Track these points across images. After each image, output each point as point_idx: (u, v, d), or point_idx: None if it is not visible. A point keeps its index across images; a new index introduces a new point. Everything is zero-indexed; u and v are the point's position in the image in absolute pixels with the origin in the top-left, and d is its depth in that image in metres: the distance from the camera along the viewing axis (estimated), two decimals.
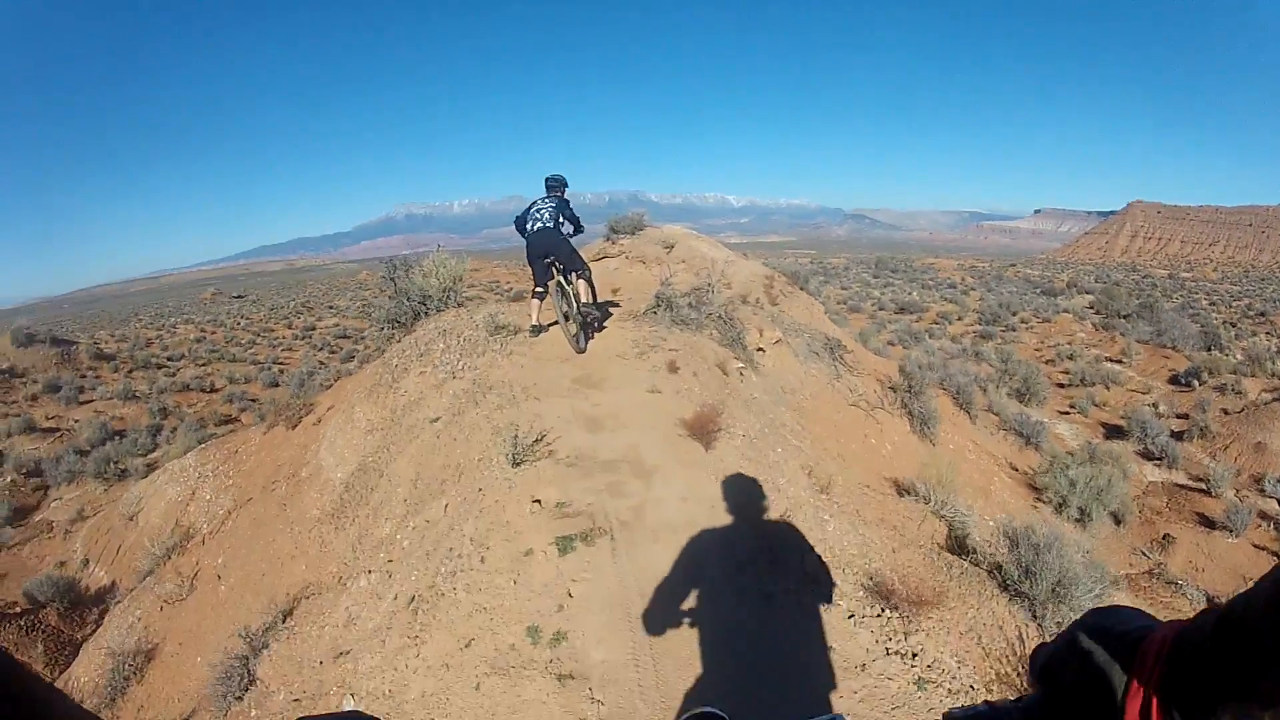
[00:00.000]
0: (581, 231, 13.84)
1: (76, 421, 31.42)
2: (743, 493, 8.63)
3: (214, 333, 64.77)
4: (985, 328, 42.49)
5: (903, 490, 12.50)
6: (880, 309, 51.79)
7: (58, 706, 1.04)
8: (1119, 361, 34.77)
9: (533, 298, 13.44)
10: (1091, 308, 46.97)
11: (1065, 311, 45.49)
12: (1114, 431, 24.76)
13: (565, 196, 13.54)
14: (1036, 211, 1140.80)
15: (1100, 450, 20.67)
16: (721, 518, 8.16)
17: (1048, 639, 1.57)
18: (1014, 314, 45.74)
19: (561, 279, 12.77)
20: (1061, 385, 31.06)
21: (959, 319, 46.97)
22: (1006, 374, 27.89)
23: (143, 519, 16.07)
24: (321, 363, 48.88)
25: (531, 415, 10.29)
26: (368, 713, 1.52)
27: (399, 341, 14.80)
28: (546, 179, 13.55)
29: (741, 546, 7.73)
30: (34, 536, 20.00)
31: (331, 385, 19.74)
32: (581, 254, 13.60)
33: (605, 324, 14.29)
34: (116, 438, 28.75)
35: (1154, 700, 1.17)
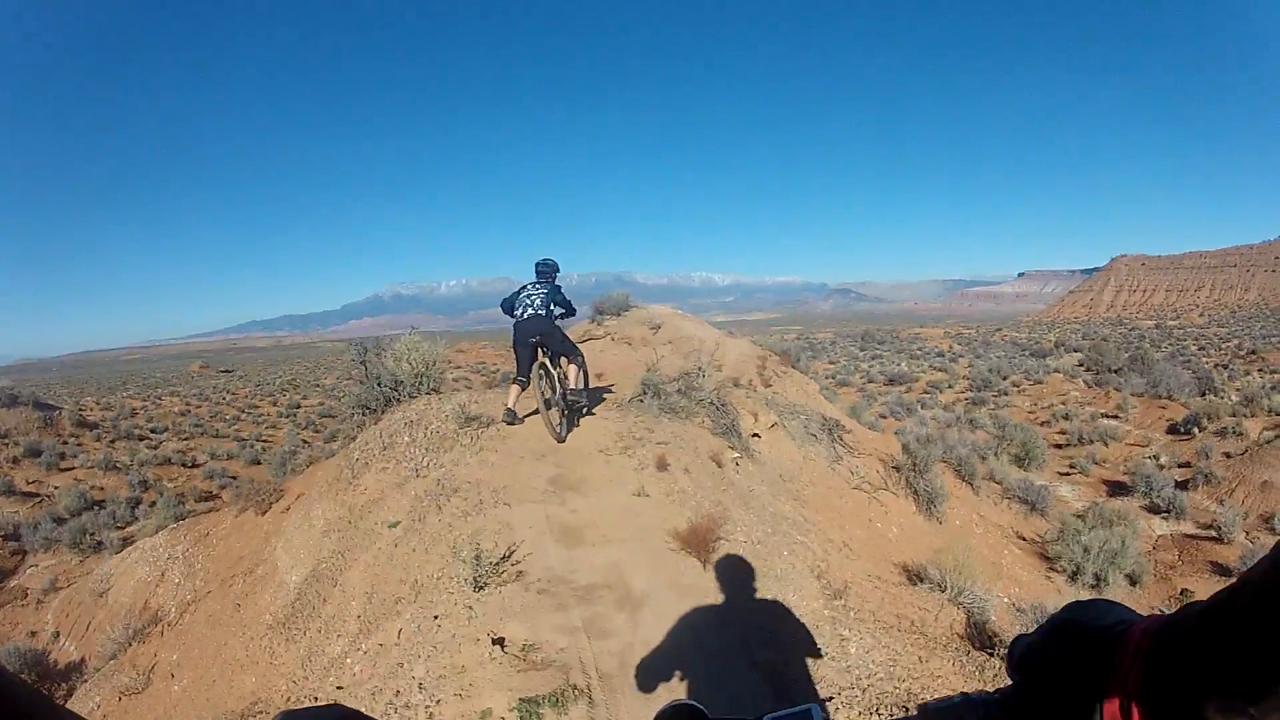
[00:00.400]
0: (573, 315, 13.42)
1: (56, 488, 30.79)
2: (752, 624, 7.60)
3: (199, 407, 64.25)
4: (977, 394, 42.20)
5: (915, 577, 11.68)
6: (869, 381, 51.88)
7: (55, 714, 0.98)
8: (1115, 417, 34.22)
9: (513, 384, 12.74)
10: (1081, 365, 46.90)
11: (1056, 371, 45.02)
12: (1117, 488, 24.07)
13: (557, 282, 13.16)
14: (1020, 274, 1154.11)
15: (1107, 510, 19.83)
16: (726, 662, 7.03)
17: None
18: (1004, 378, 45.45)
19: (547, 361, 12.29)
20: (1059, 446, 30.27)
21: (949, 387, 46.78)
22: (1004, 440, 27.26)
23: (113, 597, 15.39)
24: (305, 441, 48.30)
25: (500, 524, 9.21)
26: (350, 706, 1.43)
27: (368, 430, 13.75)
28: (537, 264, 13.12)
29: (753, 698, 6.63)
30: (8, 603, 19.55)
31: (305, 470, 18.67)
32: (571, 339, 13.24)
33: (590, 411, 13.60)
34: (95, 508, 28.13)
35: (1133, 694, 1.11)
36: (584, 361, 13.39)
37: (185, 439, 46.83)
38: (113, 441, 42.12)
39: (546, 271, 13.02)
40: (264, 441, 47.59)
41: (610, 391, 15.35)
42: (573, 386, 12.74)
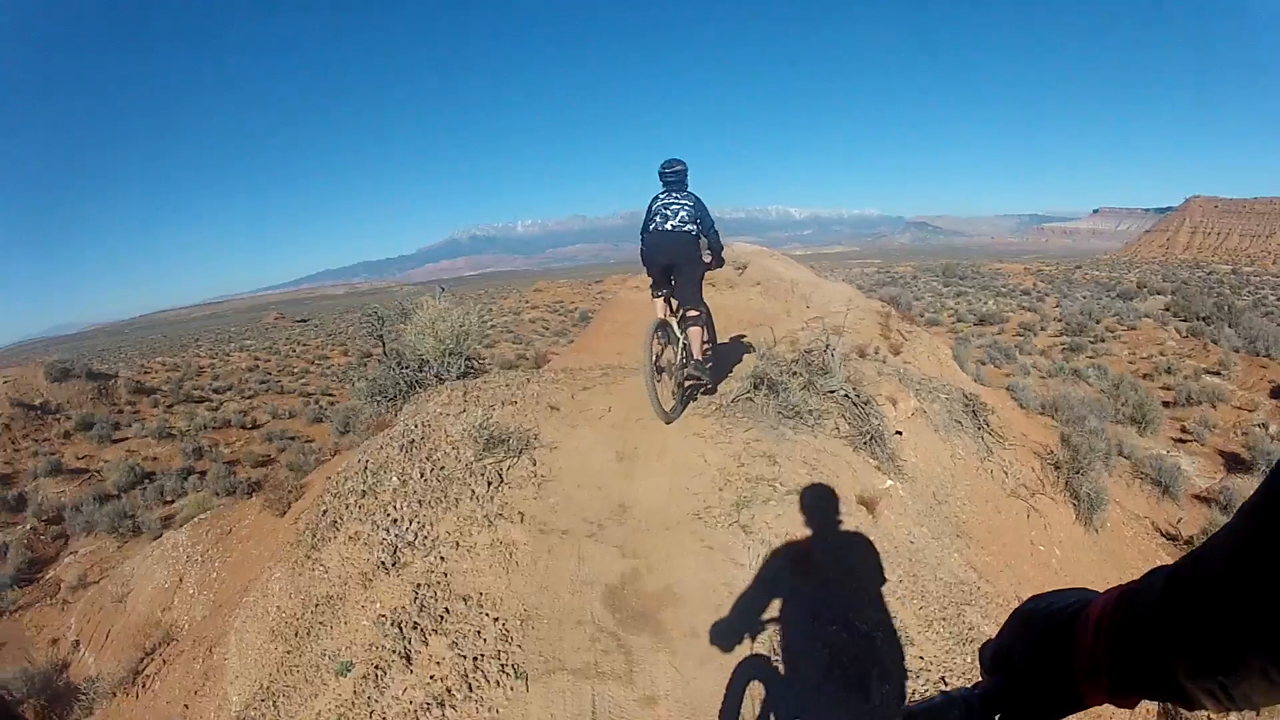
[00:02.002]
0: (720, 252, 10.20)
1: (106, 462, 28.81)
2: None
3: (268, 361, 62.68)
4: (1073, 339, 38.70)
5: None
6: (959, 320, 48.62)
7: None
8: (1217, 374, 29.25)
9: (655, 298, 9.77)
10: (1168, 309, 43.25)
11: (1145, 316, 41.70)
12: (1234, 462, 20.39)
13: (697, 195, 9.83)
14: (1095, 211, 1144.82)
15: (1240, 498, 16.22)
16: None
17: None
18: (1097, 322, 41.85)
19: (672, 320, 9.58)
20: (1166, 405, 25.24)
21: (1042, 329, 43.30)
22: (1118, 400, 23.12)
23: (131, 603, 13.71)
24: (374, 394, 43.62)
25: None
26: None
27: (355, 452, 9.99)
28: (663, 168, 9.87)
29: None
30: (39, 600, 18.43)
31: (330, 459, 16.75)
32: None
33: (704, 387, 10.44)
34: (145, 481, 26.74)
35: (1102, 666, 1.13)
36: (710, 317, 10.41)
37: (249, 398, 43.99)
38: (170, 406, 39.60)
39: (677, 178, 9.83)
40: (329, 396, 45.70)
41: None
42: (696, 355, 9.67)
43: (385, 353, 12.90)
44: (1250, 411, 24.64)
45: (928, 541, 8.06)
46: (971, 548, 8.86)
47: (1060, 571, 10.23)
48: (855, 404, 9.54)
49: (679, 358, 9.44)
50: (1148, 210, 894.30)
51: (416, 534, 7.15)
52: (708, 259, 10.03)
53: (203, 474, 27.28)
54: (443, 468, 8.19)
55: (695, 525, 7.07)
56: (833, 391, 9.62)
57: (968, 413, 12.02)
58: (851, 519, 7.44)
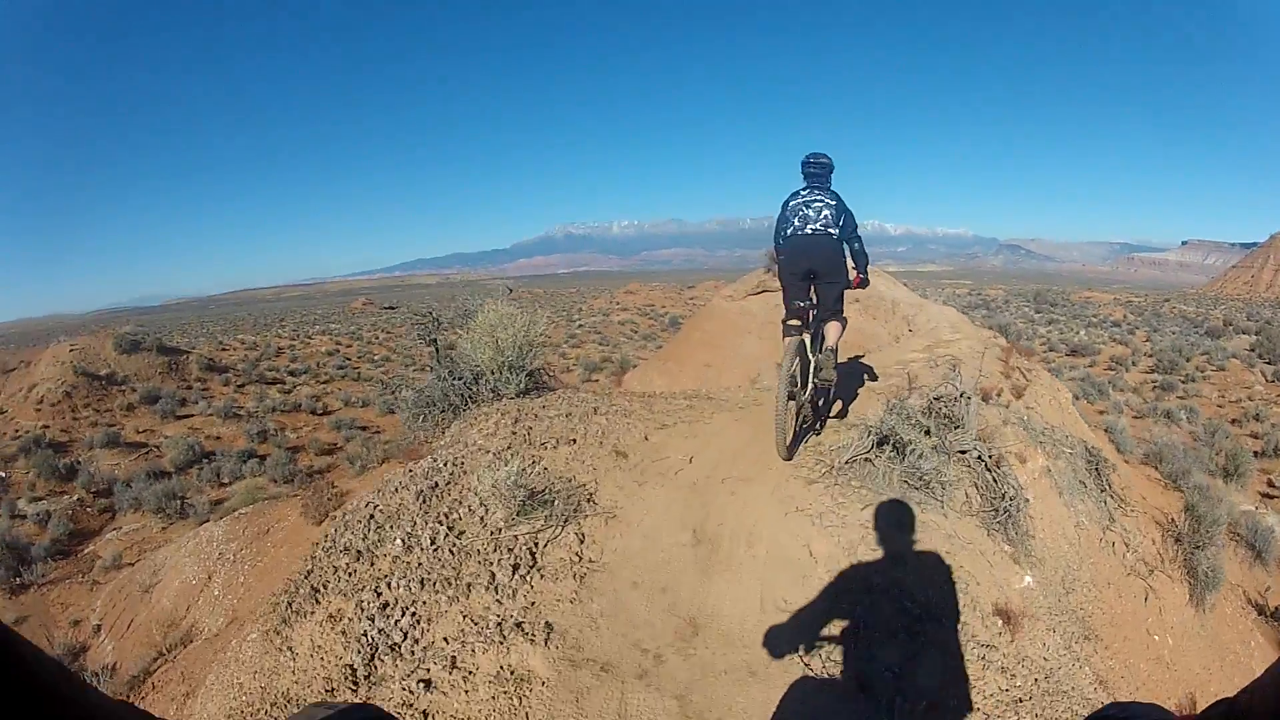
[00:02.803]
0: (865, 258, 8.68)
1: (167, 438, 28.33)
2: None
3: (349, 346, 61.73)
4: (1164, 376, 37.60)
5: None
6: (1050, 349, 47.00)
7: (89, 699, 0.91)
8: None
9: (785, 334, 8.21)
10: (1253, 350, 42.85)
11: (1233, 357, 40.64)
12: None
13: (839, 194, 8.50)
14: (1184, 243, 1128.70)
15: None
16: None
17: None
18: (1187, 360, 40.85)
19: (808, 340, 8.27)
20: (1254, 454, 23.45)
21: (1133, 365, 42.10)
22: (1211, 446, 22.31)
23: (156, 596, 12.98)
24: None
25: None
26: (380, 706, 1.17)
27: (360, 498, 7.88)
28: (806, 161, 8.54)
29: None
30: (70, 576, 17.98)
31: (378, 465, 15.69)
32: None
33: (830, 415, 9.30)
34: (204, 461, 26.33)
35: None
36: (845, 326, 8.68)
37: (324, 382, 43.52)
38: (241, 386, 39.02)
39: (821, 171, 8.51)
40: (409, 385, 43.72)
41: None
42: (831, 344, 8.31)
43: (438, 359, 11.41)
44: None
45: (1059, 655, 6.17)
46: (1099, 652, 7.26)
47: (1172, 665, 8.82)
48: (989, 468, 7.74)
49: (810, 383, 8.22)
50: (1234, 245, 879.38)
51: (407, 631, 5.36)
52: (853, 274, 8.58)
53: (263, 458, 26.66)
54: (461, 533, 6.40)
55: (792, 667, 5.11)
56: (965, 452, 7.79)
57: (1091, 471, 10.40)
58: (991, 646, 5.59)
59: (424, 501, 6.87)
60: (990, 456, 7.79)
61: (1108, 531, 9.55)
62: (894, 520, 6.54)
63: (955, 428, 7.96)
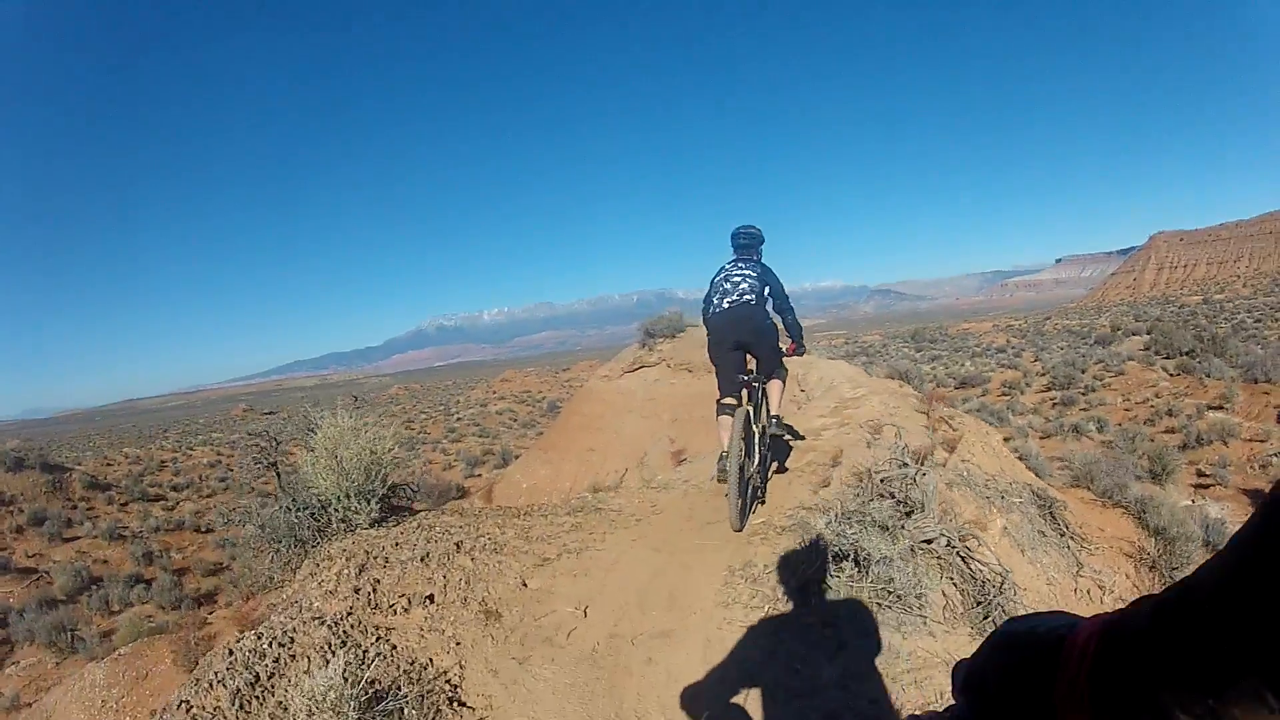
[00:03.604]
0: (793, 315, 8.59)
1: (55, 563, 27.33)
2: None
3: (230, 456, 61.03)
4: (1061, 392, 37.13)
5: None
6: (938, 385, 45.52)
7: None
8: (1219, 408, 27.49)
9: (719, 413, 8.07)
10: (1148, 349, 41.97)
11: (1129, 360, 39.97)
12: (1260, 499, 18.14)
13: (767, 265, 8.59)
14: (1058, 260, 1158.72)
15: None
16: None
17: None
18: (1082, 371, 40.22)
19: (751, 410, 7.91)
20: (1180, 448, 23.30)
21: (1028, 386, 41.68)
22: (1133, 452, 21.18)
23: None
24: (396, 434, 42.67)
25: None
26: None
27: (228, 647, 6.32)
28: (735, 234, 8.67)
29: None
30: None
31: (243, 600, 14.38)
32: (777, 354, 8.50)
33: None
34: (93, 586, 25.23)
35: (1084, 696, 1.05)
36: (786, 377, 8.58)
37: (207, 496, 42.89)
38: (125, 505, 37.72)
39: (749, 241, 8.60)
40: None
41: (692, 464, 10.96)
42: (774, 410, 8.27)
43: (281, 488, 9.77)
44: (1262, 442, 23.18)
45: None
46: None
47: None
48: (961, 556, 6.40)
49: (757, 454, 7.93)
50: (1110, 253, 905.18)
51: None
52: (787, 345, 8.58)
53: (150, 583, 25.88)
54: None
55: None
56: (930, 541, 6.42)
57: (1045, 515, 9.81)
58: None
59: (240, 707, 5.23)
60: (959, 540, 6.50)
61: (1079, 579, 9.03)
62: (876, 679, 5.05)
63: (910, 513, 6.76)
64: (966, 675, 1.28)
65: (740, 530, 7.26)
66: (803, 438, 10.19)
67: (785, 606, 5.63)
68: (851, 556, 5.90)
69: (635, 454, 19.39)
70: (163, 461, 56.01)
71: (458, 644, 5.69)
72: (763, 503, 8.06)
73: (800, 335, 8.64)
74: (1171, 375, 34.26)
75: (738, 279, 8.20)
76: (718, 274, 8.43)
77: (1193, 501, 16.98)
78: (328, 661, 5.24)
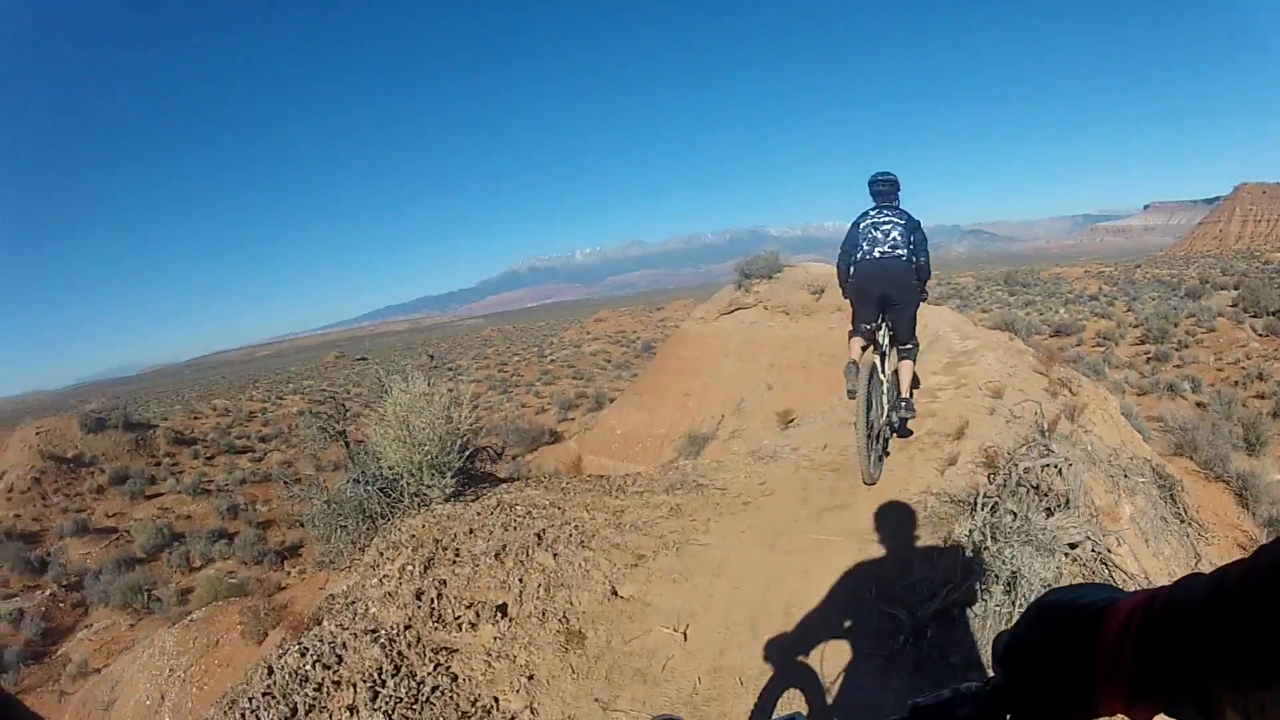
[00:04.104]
0: (925, 294, 8.53)
1: (136, 521, 27.57)
2: None
3: (323, 403, 59.42)
4: (1155, 346, 35.99)
5: None
6: (1034, 333, 43.10)
7: None
8: None
9: (853, 336, 8.00)
10: (1235, 305, 41.53)
11: (1219, 315, 39.20)
12: None
13: (908, 211, 8.25)
14: (1146, 207, 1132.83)
15: None
16: None
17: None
18: (1174, 325, 39.35)
19: (878, 360, 7.91)
20: (1273, 415, 23.13)
21: (1121, 338, 40.39)
22: (1229, 418, 20.81)
23: (115, 716, 11.74)
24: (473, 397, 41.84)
25: None
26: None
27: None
28: (873, 180, 8.34)
29: None
30: (43, 684, 17.41)
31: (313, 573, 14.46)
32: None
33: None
34: (175, 543, 25.64)
35: (1125, 671, 1.01)
36: (917, 354, 8.63)
37: (294, 447, 41.59)
38: (211, 458, 38.13)
39: (889, 188, 8.29)
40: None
41: (800, 432, 10.04)
42: (905, 393, 8.21)
43: (351, 457, 8.99)
44: None
45: None
46: None
47: None
48: (1105, 563, 5.46)
49: (885, 410, 7.89)
50: (1197, 202, 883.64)
51: None
52: (920, 267, 8.22)
53: (233, 537, 25.99)
54: None
55: None
56: (1076, 545, 5.39)
57: (1166, 498, 9.11)
58: None
59: None
60: (1102, 544, 5.52)
61: (1197, 570, 7.56)
62: None
63: (1051, 510, 5.69)
64: (1006, 646, 1.23)
65: (873, 484, 7.21)
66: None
67: (924, 638, 4.75)
68: (1004, 578, 4.93)
69: (732, 399, 19.27)
70: (251, 413, 56.05)
71: (530, 678, 4.77)
72: (886, 454, 7.90)
73: (927, 277, 8.30)
74: (1260, 335, 34.53)
75: (887, 228, 7.93)
76: (861, 219, 8.15)
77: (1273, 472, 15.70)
78: (376, 694, 4.50)
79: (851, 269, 8.05)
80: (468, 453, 8.19)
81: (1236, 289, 47.19)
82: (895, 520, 6.25)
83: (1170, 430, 16.31)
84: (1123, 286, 67.88)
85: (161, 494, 30.84)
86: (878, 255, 7.84)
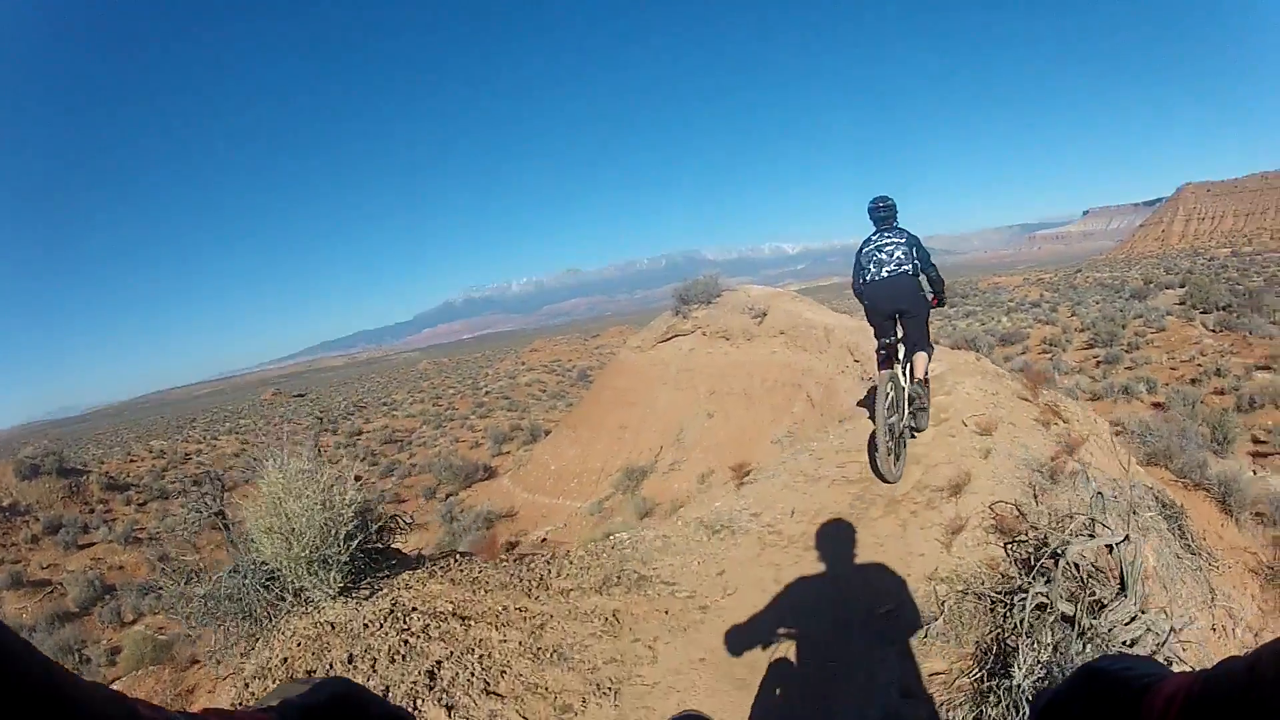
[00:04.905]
0: (943, 286, 9.14)
1: (70, 572, 26.72)
2: None
3: (255, 445, 59.36)
4: (1105, 349, 35.60)
5: None
6: (978, 347, 42.80)
7: (84, 695, 0.80)
8: (1267, 368, 27.43)
9: (879, 350, 8.82)
10: (1183, 303, 42.54)
11: (1168, 314, 39.83)
12: None
13: (907, 229, 8.92)
14: (1085, 213, 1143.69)
15: None
16: None
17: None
18: (1122, 327, 39.39)
19: (899, 370, 8.64)
20: (1235, 410, 23.09)
21: (1068, 343, 40.26)
22: (1194, 419, 20.48)
23: None
24: (357, 478, 40.84)
25: None
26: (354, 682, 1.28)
27: None
28: (872, 207, 9.00)
29: None
30: None
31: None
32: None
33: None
34: (107, 596, 24.87)
35: None
36: (933, 353, 9.77)
37: (228, 490, 40.19)
38: (143, 504, 37.11)
39: (888, 213, 8.93)
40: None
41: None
42: (920, 374, 8.98)
43: (232, 542, 7.59)
44: None
45: None
46: None
47: None
48: (1169, 661, 4.24)
49: (904, 413, 8.47)
50: (1137, 204, 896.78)
51: None
52: (930, 298, 9.06)
53: (158, 595, 24.03)
54: None
55: None
56: (1135, 641, 4.28)
57: (1175, 530, 8.39)
58: None
59: None
60: (1164, 633, 4.36)
61: (1214, 609, 7.77)
62: None
63: (1101, 603, 4.46)
64: (1048, 704, 1.20)
65: (894, 483, 7.85)
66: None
67: None
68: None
69: (671, 430, 18.66)
70: (186, 454, 55.18)
71: None
72: (905, 449, 8.36)
73: (942, 289, 9.00)
74: (1213, 331, 34.72)
75: (891, 248, 8.64)
76: (865, 245, 8.85)
77: (1254, 472, 15.84)
78: None
79: (863, 289, 8.81)
80: (356, 541, 6.43)
81: (1183, 286, 48.14)
82: (899, 626, 4.98)
83: (1137, 436, 15.86)
84: (1064, 292, 68.86)
85: (95, 543, 30.14)
86: (885, 275, 8.59)
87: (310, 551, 6.09)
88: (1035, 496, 6.46)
